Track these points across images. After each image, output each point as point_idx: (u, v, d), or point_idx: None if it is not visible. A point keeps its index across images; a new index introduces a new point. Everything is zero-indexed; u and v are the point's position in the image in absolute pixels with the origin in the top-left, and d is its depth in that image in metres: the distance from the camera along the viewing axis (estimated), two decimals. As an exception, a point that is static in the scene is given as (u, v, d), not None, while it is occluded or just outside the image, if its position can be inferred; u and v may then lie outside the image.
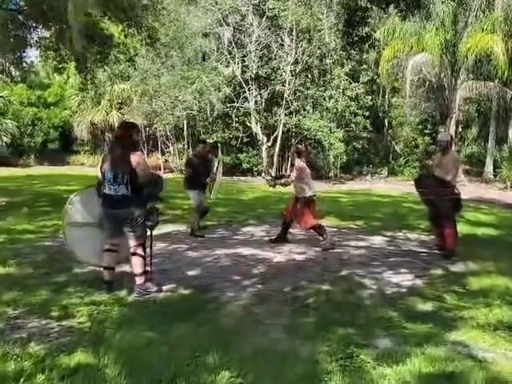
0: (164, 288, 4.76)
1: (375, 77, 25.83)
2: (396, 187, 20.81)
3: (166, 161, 27.21)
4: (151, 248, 4.92)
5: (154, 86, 23.94)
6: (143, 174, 4.50)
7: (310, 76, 23.91)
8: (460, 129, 26.28)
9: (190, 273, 5.49)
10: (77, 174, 21.70)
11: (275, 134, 23.51)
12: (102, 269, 4.76)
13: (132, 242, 4.61)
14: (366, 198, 14.50)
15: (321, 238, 7.11)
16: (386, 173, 26.76)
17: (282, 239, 7.39)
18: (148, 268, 4.78)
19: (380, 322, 4.04)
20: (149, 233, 4.78)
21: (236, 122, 23.67)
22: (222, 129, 24.22)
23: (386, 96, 28.07)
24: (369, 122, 24.57)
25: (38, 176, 20.33)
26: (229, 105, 23.25)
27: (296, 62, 22.50)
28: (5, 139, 26.84)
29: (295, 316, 4.15)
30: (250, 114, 23.44)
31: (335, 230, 8.64)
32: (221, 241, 7.51)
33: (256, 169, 23.62)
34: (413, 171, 26.30)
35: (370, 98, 24.12)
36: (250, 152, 24.79)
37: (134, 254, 4.60)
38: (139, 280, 4.58)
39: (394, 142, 28.32)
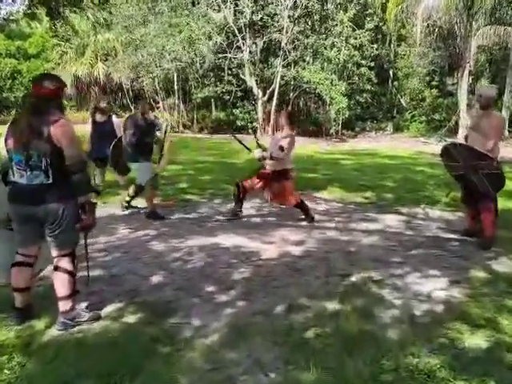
0: (103, 312, 3.38)
1: (381, 23, 23.70)
2: (403, 145, 19.29)
3: (156, 117, 25.41)
4: (87, 256, 3.46)
5: (142, 35, 21.82)
6: (71, 154, 3.01)
7: (309, 22, 21.75)
8: (470, 80, 24.39)
9: (149, 280, 4.08)
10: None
11: (272, 87, 21.62)
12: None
13: (54, 252, 3.17)
14: (372, 161, 12.96)
15: (304, 217, 6.14)
16: (391, 129, 25.13)
17: (235, 215, 6.23)
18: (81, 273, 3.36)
19: (416, 378, 2.67)
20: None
21: (229, 74, 21.73)
22: (214, 82, 22.31)
23: (392, 45, 25.98)
24: (373, 74, 22.67)
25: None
26: (221, 55, 21.25)
27: (295, 7, 20.34)
28: (-19, 94, 24.91)
29: (287, 367, 2.77)
30: (243, 66, 21.48)
31: (340, 205, 7.22)
32: (198, 224, 6.06)
33: (251, 126, 21.90)
34: (419, 126, 24.72)
35: (375, 46, 22.06)
36: (246, 107, 22.99)
37: (57, 268, 3.17)
38: (64, 306, 3.16)
39: (399, 95, 26.48)
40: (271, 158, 5.85)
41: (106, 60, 26.19)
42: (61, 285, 3.16)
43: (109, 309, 3.44)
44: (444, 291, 3.93)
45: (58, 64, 26.74)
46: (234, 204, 6.33)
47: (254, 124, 20.53)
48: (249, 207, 6.91)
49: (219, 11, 20.74)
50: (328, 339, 3.09)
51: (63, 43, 26.67)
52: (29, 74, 27.50)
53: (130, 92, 25.74)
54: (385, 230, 5.86)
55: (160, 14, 21.85)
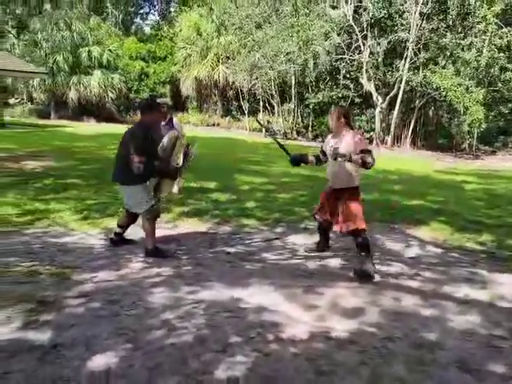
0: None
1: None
2: (553, 167, 15.82)
3: (269, 122, 24.60)
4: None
5: (263, 37, 20.94)
6: None
7: (446, 19, 18.95)
8: None
9: (95, 361, 2.79)
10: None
11: (393, 92, 19.30)
12: None
13: None
14: (507, 186, 10.37)
15: (362, 254, 4.43)
16: (541, 145, 21.18)
17: (322, 249, 5.09)
18: None
19: None
20: None
21: (346, 78, 19.91)
22: (330, 86, 20.64)
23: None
24: (522, 80, 19.14)
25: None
26: (338, 56, 19.51)
27: (427, 1, 17.86)
28: (111, 95, 26.24)
29: None
30: (362, 69, 19.49)
31: (439, 252, 5.31)
32: (235, 263, 4.68)
33: (368, 136, 19.85)
34: None
35: (526, 46, 18.55)
36: (364, 115, 20.97)
37: None
38: None
39: (554, 106, 22.19)
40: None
41: (227, 62, 26.13)
42: None
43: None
44: None
45: (182, 66, 27.36)
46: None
47: (371, 134, 18.46)
48: (310, 242, 5.37)
49: (337, 7, 19.00)
50: None
51: (188, 46, 27.19)
52: (155, 76, 28.61)
53: (246, 95, 25.24)
54: (494, 305, 3.91)
55: (280, 14, 20.91)
